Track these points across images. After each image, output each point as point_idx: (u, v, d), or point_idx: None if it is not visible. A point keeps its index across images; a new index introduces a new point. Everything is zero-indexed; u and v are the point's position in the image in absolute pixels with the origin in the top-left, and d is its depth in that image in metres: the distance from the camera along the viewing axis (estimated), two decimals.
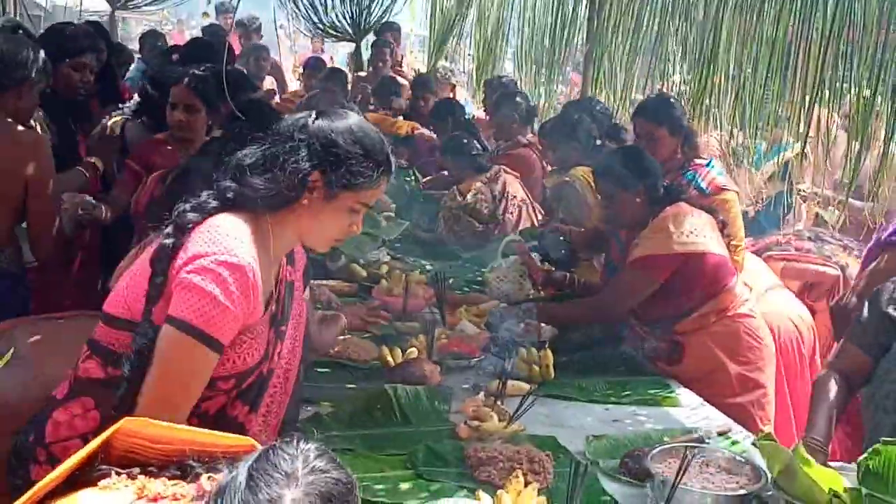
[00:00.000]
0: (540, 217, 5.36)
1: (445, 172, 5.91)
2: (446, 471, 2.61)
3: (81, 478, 1.67)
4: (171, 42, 8.66)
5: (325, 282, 4.12)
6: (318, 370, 3.19)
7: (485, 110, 7.18)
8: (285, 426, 2.41)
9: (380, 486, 2.50)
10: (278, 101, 8.17)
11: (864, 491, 2.25)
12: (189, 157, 3.79)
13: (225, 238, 2.06)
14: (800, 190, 5.83)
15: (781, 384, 4.14)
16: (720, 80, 5.14)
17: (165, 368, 2.03)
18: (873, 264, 3.77)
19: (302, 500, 1.46)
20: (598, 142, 4.96)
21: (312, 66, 8.86)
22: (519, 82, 7.65)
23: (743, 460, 2.59)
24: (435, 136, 6.57)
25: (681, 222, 3.58)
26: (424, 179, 6.38)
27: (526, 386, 3.16)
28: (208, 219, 2.12)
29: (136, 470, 1.67)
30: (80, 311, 2.76)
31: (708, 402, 3.35)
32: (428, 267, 4.65)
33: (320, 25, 10.06)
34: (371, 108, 7.75)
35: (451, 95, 8.18)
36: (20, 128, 3.62)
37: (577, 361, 3.59)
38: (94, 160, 4.29)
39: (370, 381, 3.19)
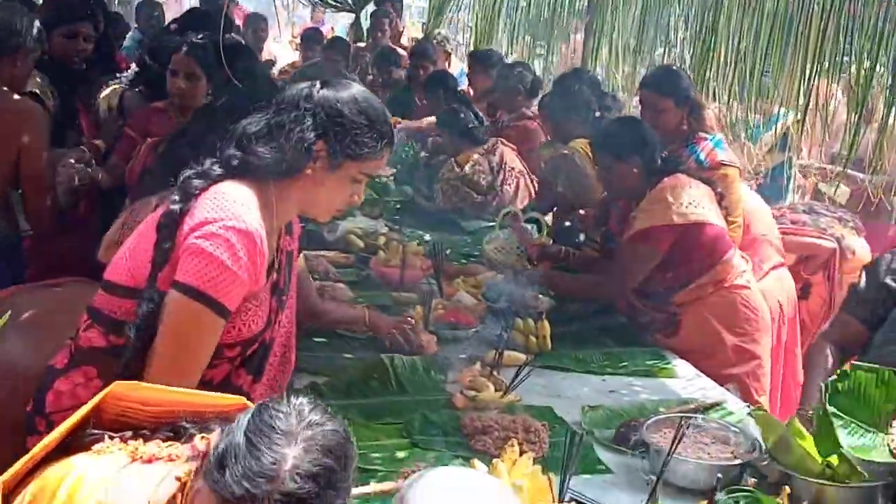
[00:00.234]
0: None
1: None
2: (442, 440, 2.63)
3: (74, 443, 1.68)
4: (167, 11, 8.60)
5: (322, 252, 4.12)
6: (315, 340, 3.20)
7: (469, 84, 7.10)
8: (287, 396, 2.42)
9: (376, 455, 2.52)
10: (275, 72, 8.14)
11: (830, 410, 2.32)
12: (180, 125, 3.78)
13: (232, 204, 2.07)
14: (802, 165, 5.82)
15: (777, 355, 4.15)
16: (721, 52, 5.11)
17: (173, 335, 2.04)
18: None
19: (304, 458, 1.48)
20: (598, 113, 4.93)
21: (310, 37, 8.81)
22: (510, 55, 7.55)
23: (737, 430, 2.60)
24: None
25: (679, 193, 3.57)
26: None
27: (522, 356, 3.17)
28: (213, 185, 2.12)
29: (129, 433, 1.68)
30: (75, 278, 2.75)
31: (704, 373, 3.36)
32: (426, 238, 4.65)
33: None
34: (370, 78, 7.70)
35: (447, 64, 8.10)
36: (15, 96, 3.60)
37: (574, 332, 3.59)
38: (98, 142, 4.28)
39: (367, 351, 3.20)
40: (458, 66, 8.82)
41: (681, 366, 3.42)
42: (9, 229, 3.64)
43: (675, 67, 4.87)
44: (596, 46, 6.42)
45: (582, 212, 4.67)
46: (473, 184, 5.23)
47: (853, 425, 2.34)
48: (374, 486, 2.30)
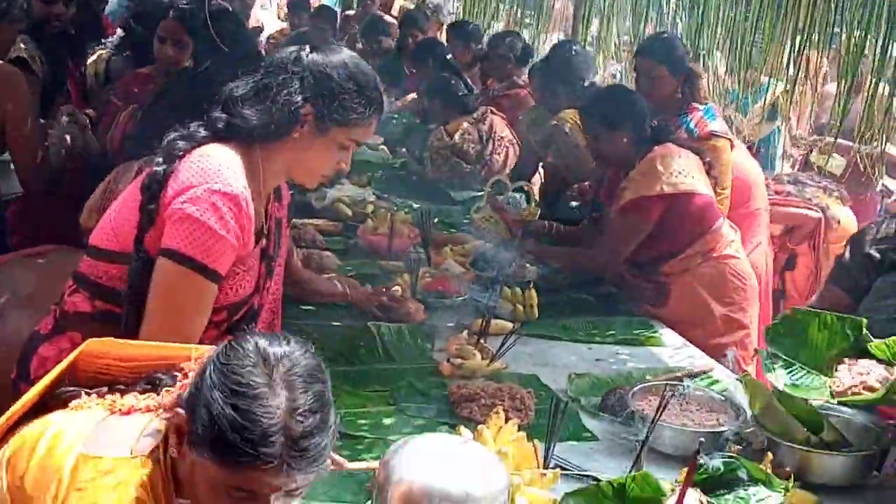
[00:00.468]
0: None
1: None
2: (428, 407, 2.63)
3: (51, 402, 1.68)
4: None
5: (310, 220, 4.10)
6: (302, 307, 3.19)
7: (453, 55, 7.03)
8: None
9: (363, 421, 2.53)
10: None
11: (765, 352, 2.46)
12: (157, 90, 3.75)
13: (217, 167, 2.05)
14: (795, 136, 5.81)
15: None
16: (712, 21, 5.08)
17: (165, 302, 2.02)
18: None
19: (294, 397, 1.51)
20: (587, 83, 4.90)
21: (297, 5, 8.74)
22: (494, 24, 7.47)
23: (723, 398, 2.61)
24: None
25: (668, 163, 3.55)
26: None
27: (509, 325, 3.17)
28: (197, 148, 2.10)
29: (105, 389, 1.67)
30: (57, 246, 2.73)
31: (692, 343, 3.36)
32: (414, 206, 4.63)
33: None
34: (359, 47, 7.63)
35: (438, 35, 8.03)
36: None
37: (562, 301, 3.59)
38: (88, 111, 4.24)
39: (354, 319, 3.19)
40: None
41: (668, 334, 3.42)
42: None
43: (670, 35, 4.84)
44: (586, 15, 6.36)
45: (576, 186, 4.66)
46: (463, 153, 5.20)
47: (795, 366, 2.40)
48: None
